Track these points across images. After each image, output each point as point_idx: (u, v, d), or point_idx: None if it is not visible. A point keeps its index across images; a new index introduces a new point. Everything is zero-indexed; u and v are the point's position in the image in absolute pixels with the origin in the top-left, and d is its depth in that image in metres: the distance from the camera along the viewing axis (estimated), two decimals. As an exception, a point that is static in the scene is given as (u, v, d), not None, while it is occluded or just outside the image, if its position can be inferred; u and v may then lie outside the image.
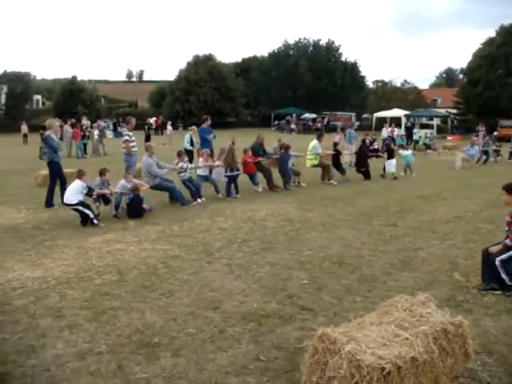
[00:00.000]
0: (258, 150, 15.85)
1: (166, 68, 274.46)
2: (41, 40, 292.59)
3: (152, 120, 56.49)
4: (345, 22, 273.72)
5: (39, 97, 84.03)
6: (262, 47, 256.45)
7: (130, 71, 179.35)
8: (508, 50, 49.71)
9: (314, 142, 17.31)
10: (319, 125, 55.98)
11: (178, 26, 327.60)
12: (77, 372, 4.57)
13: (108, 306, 6.09)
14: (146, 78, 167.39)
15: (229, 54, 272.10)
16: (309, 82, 68.28)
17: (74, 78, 72.14)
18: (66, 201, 10.65)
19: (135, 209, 11.30)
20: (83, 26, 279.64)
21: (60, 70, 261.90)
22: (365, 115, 67.77)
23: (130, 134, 14.10)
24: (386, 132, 31.44)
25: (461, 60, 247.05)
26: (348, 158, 21.13)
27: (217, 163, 14.05)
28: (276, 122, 61.26)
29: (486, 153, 23.93)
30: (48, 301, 6.34)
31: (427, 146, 32.23)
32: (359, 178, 17.71)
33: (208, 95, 64.59)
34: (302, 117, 61.55)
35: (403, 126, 40.84)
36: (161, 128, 52.75)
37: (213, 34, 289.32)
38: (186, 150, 16.72)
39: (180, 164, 13.29)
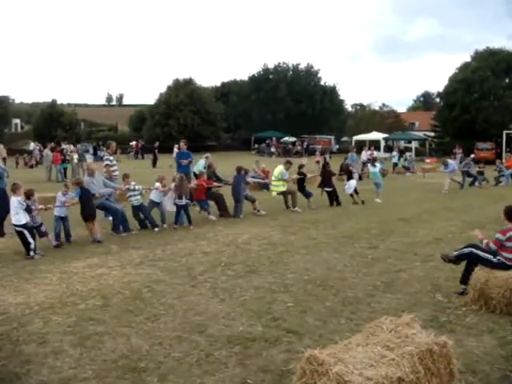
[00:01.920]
0: (210, 177, 15.48)
1: (145, 92, 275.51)
2: (19, 63, 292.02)
3: (132, 143, 56.54)
4: (324, 46, 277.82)
5: (18, 120, 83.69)
6: (242, 71, 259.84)
7: (109, 95, 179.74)
8: (483, 75, 50.86)
9: (280, 167, 16.71)
10: (299, 148, 56.49)
11: (158, 50, 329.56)
12: (62, 398, 4.54)
13: (93, 331, 6.05)
14: (125, 101, 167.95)
15: (208, 77, 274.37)
16: (288, 106, 68.89)
17: (54, 101, 72.10)
18: (14, 221, 10.03)
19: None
20: (62, 49, 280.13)
21: (39, 93, 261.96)
22: (344, 138, 68.67)
23: (111, 158, 14.14)
24: (365, 155, 31.70)
25: (437, 84, 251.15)
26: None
27: (171, 187, 13.27)
28: (256, 146, 61.61)
29: (469, 174, 23.50)
30: (31, 327, 6.28)
31: (406, 168, 32.69)
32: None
33: (188, 119, 64.79)
34: (282, 140, 62.02)
35: (382, 149, 41.42)
36: (141, 152, 52.85)
37: (192, 58, 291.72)
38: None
39: (127, 186, 12.78)
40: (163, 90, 70.84)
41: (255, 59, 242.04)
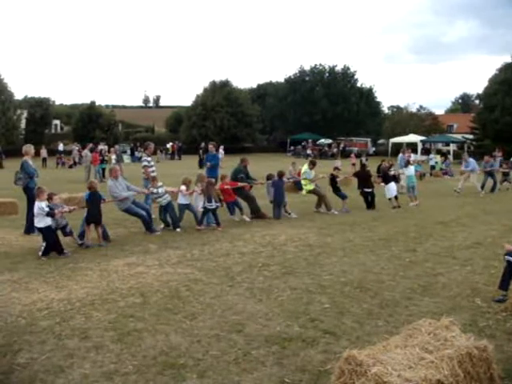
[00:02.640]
0: (237, 173, 15.05)
1: (182, 94, 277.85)
2: (59, 66, 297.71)
3: (168, 145, 57.20)
4: (360, 48, 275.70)
5: (58, 122, 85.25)
6: (278, 73, 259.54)
7: (146, 97, 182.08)
8: (525, 76, 49.86)
9: (305, 166, 16.71)
10: (335, 150, 56.27)
11: (195, 52, 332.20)
12: (105, 392, 4.66)
13: (133, 328, 6.18)
14: (162, 103, 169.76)
15: (245, 79, 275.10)
16: (325, 108, 68.67)
17: (93, 103, 73.25)
18: (35, 224, 10.27)
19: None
20: (101, 52, 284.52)
21: (78, 95, 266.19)
22: (380, 141, 68.04)
23: (149, 159, 14.36)
24: (402, 158, 31.30)
25: (476, 85, 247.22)
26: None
27: (196, 189, 13.38)
28: (292, 148, 61.62)
29: (491, 175, 22.87)
30: (73, 322, 6.45)
31: (444, 172, 32.26)
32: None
33: (224, 120, 65.31)
34: (318, 142, 61.90)
35: (419, 152, 40.95)
36: (178, 153, 53.38)
37: (229, 60, 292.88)
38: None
39: (151, 189, 12.95)
40: (200, 91, 71.57)
41: (291, 61, 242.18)
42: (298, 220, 14.25)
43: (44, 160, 41.86)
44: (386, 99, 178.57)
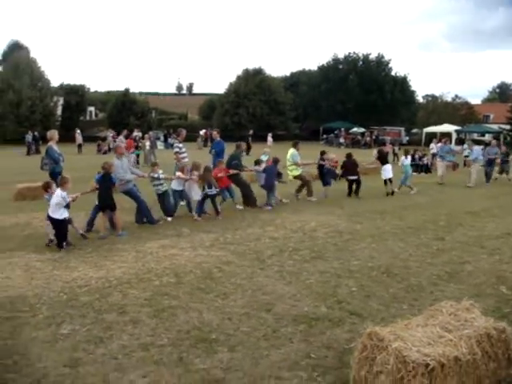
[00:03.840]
0: (232, 159, 14.71)
1: (215, 81, 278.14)
2: (95, 54, 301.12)
3: (201, 132, 57.60)
4: (395, 35, 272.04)
5: (92, 108, 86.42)
6: (311, 61, 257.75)
7: (179, 84, 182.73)
8: None
9: (291, 150, 16.39)
10: (368, 139, 55.92)
11: (229, 39, 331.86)
12: (142, 361, 5.01)
13: (167, 305, 6.53)
14: (195, 90, 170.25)
15: (278, 67, 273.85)
16: (358, 96, 68.09)
17: (127, 90, 73.99)
18: (52, 214, 9.58)
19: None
20: (134, 39, 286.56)
21: (112, 82, 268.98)
22: (414, 130, 67.34)
23: (180, 145, 14.59)
24: (435, 147, 31.00)
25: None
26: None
27: (193, 177, 12.88)
28: (324, 136, 61.45)
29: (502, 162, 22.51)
30: (111, 298, 6.83)
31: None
32: (374, 193, 17.45)
33: (257, 108, 65.43)
34: (351, 131, 61.51)
35: (453, 142, 40.51)
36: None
37: (262, 48, 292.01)
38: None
39: (152, 174, 12.51)
40: (233, 79, 71.69)
41: (325, 49, 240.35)
42: (328, 207, 14.41)
43: (79, 146, 42.61)
44: (421, 88, 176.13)
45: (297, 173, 16.19)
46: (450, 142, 40.49)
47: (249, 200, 14.51)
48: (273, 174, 14.82)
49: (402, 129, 62.33)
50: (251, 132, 43.34)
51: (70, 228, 10.06)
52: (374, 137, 56.45)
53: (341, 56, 75.12)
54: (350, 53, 74.75)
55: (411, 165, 20.62)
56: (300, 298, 6.78)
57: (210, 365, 4.90)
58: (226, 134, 57.81)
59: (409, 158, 18.70)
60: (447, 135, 45.26)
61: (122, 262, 8.64)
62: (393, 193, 17.17)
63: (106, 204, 10.84)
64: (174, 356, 5.09)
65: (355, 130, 61.82)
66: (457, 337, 4.17)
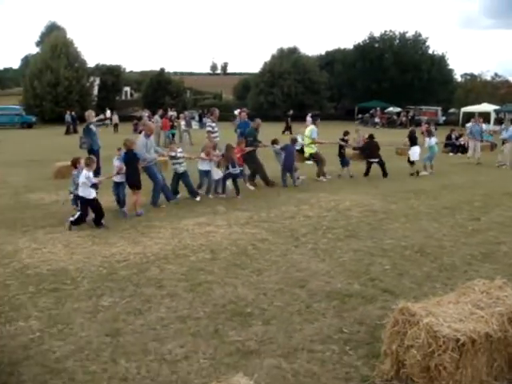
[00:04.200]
0: (248, 135, 14.60)
1: (249, 61, 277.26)
2: (129, 34, 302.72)
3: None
4: (434, 12, 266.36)
5: (128, 88, 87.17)
6: (347, 40, 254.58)
7: (214, 64, 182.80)
8: None
9: (311, 126, 16.33)
10: (403, 119, 55.26)
11: (263, 18, 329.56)
12: (179, 332, 5.20)
13: (203, 280, 6.71)
14: (229, 70, 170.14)
15: (313, 46, 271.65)
16: (394, 76, 67.05)
17: (162, 70, 74.42)
18: (83, 194, 9.68)
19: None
20: (169, 19, 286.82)
21: (147, 62, 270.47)
22: (451, 110, 66.14)
23: (213, 125, 14.70)
24: (484, 126, 29.81)
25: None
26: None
27: (213, 157, 12.90)
28: (360, 116, 60.91)
29: None
30: (149, 273, 7.05)
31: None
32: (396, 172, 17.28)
33: (292, 87, 65.19)
34: (386, 111, 60.83)
35: (492, 122, 39.70)
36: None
37: (297, 27, 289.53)
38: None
39: (171, 152, 12.47)
40: (267, 58, 71.44)
41: (361, 27, 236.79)
42: (363, 187, 14.43)
43: (116, 126, 43.20)
44: (459, 66, 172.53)
45: (311, 150, 16.08)
46: (488, 122, 39.82)
47: (265, 180, 14.51)
48: (292, 154, 14.65)
49: (439, 108, 61.30)
50: (291, 112, 43.14)
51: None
52: (409, 117, 55.70)
53: (377, 34, 73.97)
54: (386, 31, 73.50)
55: (449, 144, 20.38)
56: (333, 275, 6.89)
57: (245, 337, 5.05)
58: (261, 114, 57.92)
59: (433, 138, 18.18)
60: (486, 115, 44.51)
61: (159, 238, 8.86)
62: (418, 173, 16.93)
63: (133, 182, 10.87)
64: (210, 328, 5.27)
65: (391, 109, 61.10)
66: (488, 314, 4.22)
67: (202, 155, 12.81)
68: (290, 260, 7.57)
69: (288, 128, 38.32)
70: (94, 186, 9.82)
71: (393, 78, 66.80)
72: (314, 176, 15.82)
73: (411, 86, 66.13)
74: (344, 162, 16.52)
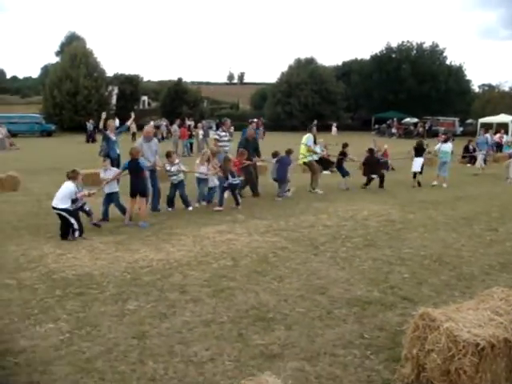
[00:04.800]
0: (242, 146, 14.41)
1: (266, 71, 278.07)
2: (147, 44, 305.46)
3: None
4: (451, 23, 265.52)
5: (145, 98, 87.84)
6: (364, 50, 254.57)
7: (231, 73, 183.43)
8: None
9: (307, 134, 15.98)
10: (420, 129, 55.13)
11: (280, 29, 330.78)
12: (204, 335, 5.35)
13: (226, 286, 6.87)
14: (246, 80, 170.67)
15: (330, 57, 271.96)
16: (411, 86, 66.97)
17: (180, 79, 75.02)
18: (53, 204, 9.62)
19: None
20: (186, 30, 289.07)
21: (164, 72, 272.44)
22: (469, 121, 65.84)
23: (222, 134, 14.98)
24: (490, 138, 29.76)
25: None
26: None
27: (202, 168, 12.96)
28: (376, 126, 60.92)
29: None
30: (173, 279, 7.22)
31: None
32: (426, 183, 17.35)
33: (309, 98, 65.42)
34: (403, 121, 60.75)
35: (510, 133, 39.52)
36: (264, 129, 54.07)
37: (314, 38, 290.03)
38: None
39: (166, 165, 12.39)
40: (284, 69, 71.79)
41: (378, 38, 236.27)
42: (381, 196, 14.53)
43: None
44: (477, 77, 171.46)
45: (305, 159, 15.80)
46: (506, 133, 39.57)
47: (253, 192, 14.51)
48: (286, 165, 14.40)
49: (457, 119, 61.10)
50: (315, 122, 43.35)
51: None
52: (426, 127, 55.59)
53: (394, 45, 74.04)
54: (403, 41, 73.58)
55: (466, 156, 20.22)
56: (353, 283, 7.01)
57: (268, 341, 5.19)
58: (278, 124, 58.22)
59: (449, 144, 17.98)
60: (504, 126, 44.29)
61: (181, 245, 9.04)
62: (419, 184, 16.75)
63: (136, 190, 10.81)
64: (234, 332, 5.42)
65: (408, 120, 61.02)
66: (507, 320, 4.32)
67: (197, 161, 13.02)
68: (309, 268, 7.70)
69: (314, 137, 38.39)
70: (73, 201, 9.74)
71: (410, 89, 66.74)
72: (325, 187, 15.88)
73: (428, 97, 66.03)
74: (343, 172, 16.40)
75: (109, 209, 11.26)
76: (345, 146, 16.96)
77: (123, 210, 11.16)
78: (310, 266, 7.81)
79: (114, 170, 11.43)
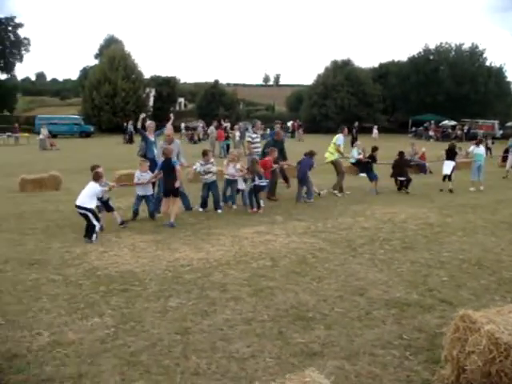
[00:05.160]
0: (265, 147, 14.50)
1: (301, 72, 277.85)
2: (183, 46, 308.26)
3: (289, 124, 58.08)
4: (491, 24, 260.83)
5: (182, 99, 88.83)
6: (401, 52, 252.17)
7: (266, 75, 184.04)
8: None
9: (338, 135, 15.84)
10: (459, 132, 54.39)
11: (316, 30, 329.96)
12: (245, 333, 5.47)
13: (265, 286, 6.98)
14: (282, 82, 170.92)
15: (366, 58, 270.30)
16: (449, 88, 66.06)
17: (216, 82, 75.69)
18: (80, 203, 9.70)
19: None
20: (222, 31, 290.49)
21: (200, 74, 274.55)
22: (509, 123, 64.67)
23: (253, 135, 15.06)
24: None
25: None
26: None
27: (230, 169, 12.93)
28: (413, 129, 60.32)
29: None
30: (213, 277, 7.37)
31: None
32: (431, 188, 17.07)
33: (345, 100, 65.22)
34: (441, 124, 59.99)
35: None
36: (297, 131, 54.11)
37: (351, 39, 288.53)
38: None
39: (199, 162, 12.44)
40: (320, 71, 71.67)
41: (415, 40, 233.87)
42: (418, 200, 14.44)
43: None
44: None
45: (333, 158, 15.71)
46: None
47: (271, 193, 14.39)
48: (306, 167, 14.22)
49: (496, 122, 60.01)
50: (356, 124, 43.17)
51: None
52: (465, 130, 54.79)
53: (432, 47, 73.19)
54: (441, 43, 72.71)
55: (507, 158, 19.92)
56: (391, 285, 7.05)
57: (308, 339, 5.28)
58: (314, 126, 58.09)
59: (481, 147, 17.65)
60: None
61: (220, 245, 9.19)
62: (451, 191, 16.20)
63: (169, 189, 10.97)
64: (274, 330, 5.52)
65: (446, 122, 60.23)
66: (550, 324, 4.32)
67: (225, 162, 12.92)
68: (348, 269, 7.76)
69: (355, 140, 38.28)
70: (99, 199, 10.16)
71: (448, 91, 65.85)
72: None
73: (467, 99, 65.05)
74: (371, 176, 16.17)
75: (139, 209, 11.56)
76: (374, 149, 16.68)
77: (152, 215, 11.54)
78: (349, 267, 7.87)
79: (149, 174, 11.53)
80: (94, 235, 9.60)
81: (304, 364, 4.67)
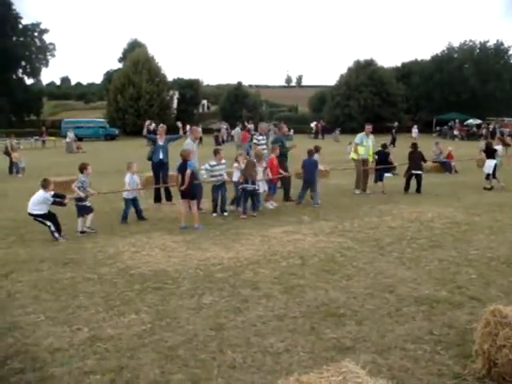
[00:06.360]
0: (274, 141, 14.42)
1: (324, 73, 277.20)
2: (205, 48, 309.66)
3: (312, 124, 58.11)
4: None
5: (205, 101, 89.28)
6: (424, 51, 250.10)
7: (289, 76, 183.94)
8: None
9: (361, 133, 15.88)
10: (484, 131, 53.82)
11: (338, 31, 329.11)
12: (278, 329, 5.63)
13: (296, 284, 7.13)
14: (304, 82, 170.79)
15: (389, 58, 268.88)
16: (474, 87, 65.31)
17: (239, 83, 75.98)
18: (30, 211, 10.09)
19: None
20: (244, 33, 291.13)
21: (223, 76, 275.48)
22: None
23: (259, 138, 15.19)
24: None
25: None
26: None
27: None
28: (438, 128, 59.81)
29: None
30: (244, 276, 7.54)
31: None
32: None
33: (368, 100, 64.89)
34: (466, 123, 59.34)
35: None
36: (322, 132, 54.24)
37: (374, 39, 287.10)
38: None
39: (212, 162, 12.44)
40: (343, 71, 71.52)
41: (438, 38, 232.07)
42: (444, 199, 14.42)
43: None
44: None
45: (355, 156, 15.80)
46: None
47: (286, 197, 14.36)
48: (312, 167, 13.81)
49: (523, 120, 59.21)
50: (396, 124, 43.03)
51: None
52: (490, 129, 54.19)
53: (456, 45, 72.51)
54: (465, 41, 71.95)
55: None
56: (420, 282, 7.14)
57: (340, 335, 5.42)
58: (337, 126, 57.85)
59: (499, 147, 17.57)
60: None
61: (250, 244, 9.36)
62: (491, 188, 16.25)
63: (185, 192, 10.96)
64: (307, 326, 5.67)
65: (470, 121, 59.54)
66: None
67: (235, 164, 12.71)
68: (377, 267, 7.87)
69: (394, 140, 38.20)
70: (58, 203, 10.22)
71: (473, 89, 65.11)
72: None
73: (493, 97, 64.29)
74: (378, 176, 16.01)
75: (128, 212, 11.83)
76: (384, 146, 16.67)
77: (141, 216, 12.01)
78: (377, 265, 7.98)
79: (137, 177, 12.08)
80: (56, 233, 10.09)
81: (337, 358, 4.79)
